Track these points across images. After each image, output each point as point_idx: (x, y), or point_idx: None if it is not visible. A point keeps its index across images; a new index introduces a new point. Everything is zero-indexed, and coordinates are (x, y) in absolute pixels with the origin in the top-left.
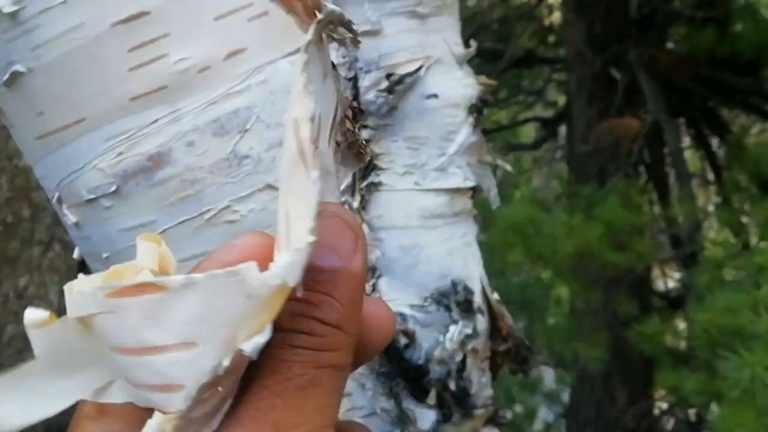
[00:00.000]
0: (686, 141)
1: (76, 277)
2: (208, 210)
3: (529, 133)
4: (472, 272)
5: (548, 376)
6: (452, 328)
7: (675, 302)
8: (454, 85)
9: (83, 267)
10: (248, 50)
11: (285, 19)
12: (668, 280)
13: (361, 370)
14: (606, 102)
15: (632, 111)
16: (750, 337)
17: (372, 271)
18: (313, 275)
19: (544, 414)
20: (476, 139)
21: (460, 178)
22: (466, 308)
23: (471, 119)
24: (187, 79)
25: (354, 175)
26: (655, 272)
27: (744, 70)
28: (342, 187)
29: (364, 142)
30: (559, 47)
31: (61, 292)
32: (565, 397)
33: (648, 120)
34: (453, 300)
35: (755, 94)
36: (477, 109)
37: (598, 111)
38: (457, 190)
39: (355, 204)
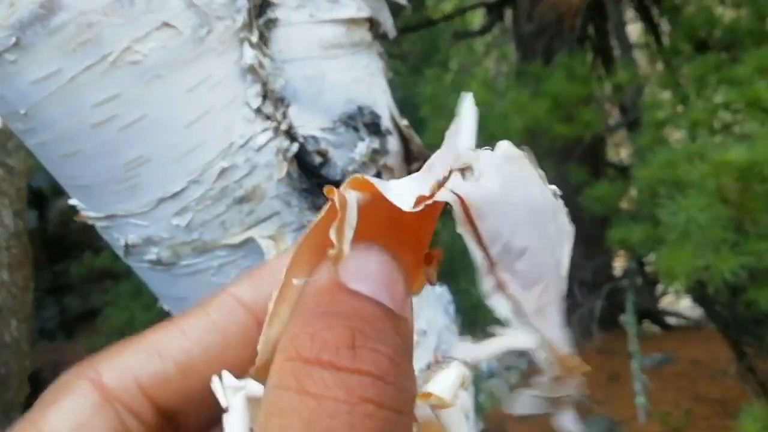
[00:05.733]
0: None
1: (26, 200)
2: (111, 52)
3: (477, 19)
4: (379, 100)
5: None
6: (360, 144)
7: (627, 171)
8: None
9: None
10: None
11: None
12: (621, 150)
13: (284, 189)
14: None
15: None
16: (686, 186)
17: (281, 100)
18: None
19: None
20: None
21: (353, 8)
22: (374, 130)
23: None
24: None
25: (249, 12)
26: (609, 144)
27: None
28: (238, 25)
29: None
30: None
31: (17, 215)
32: None
33: None
34: (360, 122)
35: None
36: None
37: None
38: (352, 21)
39: (254, 39)
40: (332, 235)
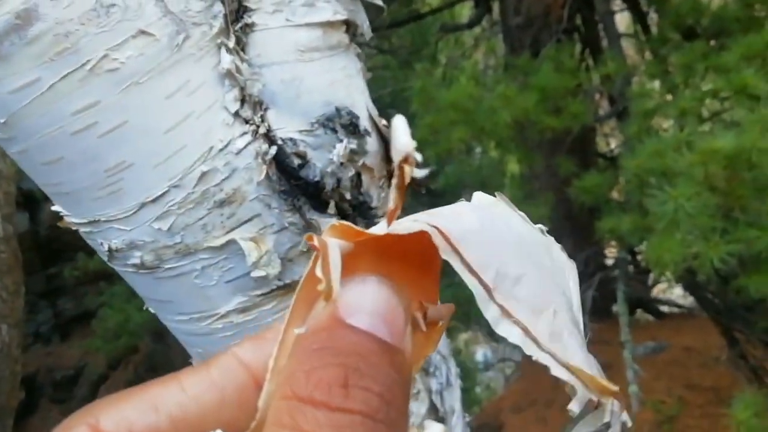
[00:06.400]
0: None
1: (15, 204)
2: (88, 61)
3: (465, 12)
4: (357, 101)
5: None
6: (338, 146)
7: (617, 161)
8: None
9: (27, 197)
10: None
11: None
12: (611, 141)
13: (263, 191)
14: None
15: None
16: (674, 175)
17: (259, 104)
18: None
19: None
20: None
21: (329, 12)
22: (353, 131)
23: None
24: None
25: (226, 17)
26: (600, 135)
27: None
28: (215, 31)
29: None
30: None
31: (5, 219)
32: None
33: None
34: (338, 123)
35: None
36: None
37: None
38: (328, 24)
39: (231, 44)
40: (318, 272)
